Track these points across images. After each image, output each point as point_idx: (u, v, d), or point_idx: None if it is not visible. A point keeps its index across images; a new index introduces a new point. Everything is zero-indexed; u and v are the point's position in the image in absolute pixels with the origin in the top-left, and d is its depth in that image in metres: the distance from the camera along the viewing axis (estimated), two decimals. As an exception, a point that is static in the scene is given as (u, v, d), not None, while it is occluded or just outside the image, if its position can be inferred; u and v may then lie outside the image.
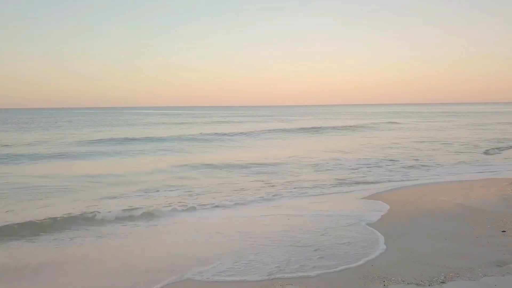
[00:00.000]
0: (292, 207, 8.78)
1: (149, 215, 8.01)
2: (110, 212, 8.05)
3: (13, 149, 21.53)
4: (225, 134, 30.84)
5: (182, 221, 7.79)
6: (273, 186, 11.13)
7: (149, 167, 14.75)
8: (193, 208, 8.66)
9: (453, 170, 13.64)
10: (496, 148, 20.23)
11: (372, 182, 11.54)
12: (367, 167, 14.21)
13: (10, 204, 9.17)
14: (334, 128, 38.17)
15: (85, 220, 7.68)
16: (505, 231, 6.47)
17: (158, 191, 10.56)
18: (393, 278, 4.79)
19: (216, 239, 6.62)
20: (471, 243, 5.99)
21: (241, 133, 32.30)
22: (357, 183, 11.46)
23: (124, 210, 8.24)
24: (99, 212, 8.00)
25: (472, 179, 11.79)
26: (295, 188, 10.79)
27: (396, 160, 15.83)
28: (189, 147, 22.96)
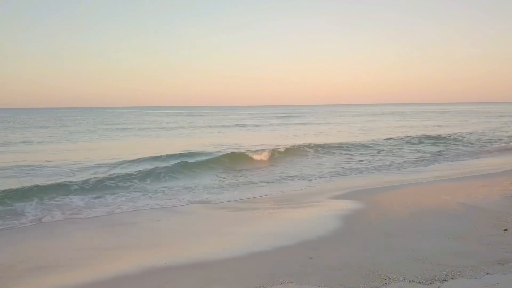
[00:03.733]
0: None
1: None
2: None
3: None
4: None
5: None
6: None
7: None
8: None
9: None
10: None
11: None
12: None
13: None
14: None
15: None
16: (507, 230, 6.42)
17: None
18: (394, 276, 4.74)
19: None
20: (473, 242, 5.93)
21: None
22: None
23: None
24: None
25: (472, 177, 11.76)
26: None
27: None
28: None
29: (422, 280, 4.60)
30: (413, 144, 22.24)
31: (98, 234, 7.29)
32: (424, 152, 19.09)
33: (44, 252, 6.35)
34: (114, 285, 4.96)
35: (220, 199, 10.03)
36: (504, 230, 6.44)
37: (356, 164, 15.73)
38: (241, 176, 13.36)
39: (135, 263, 5.61)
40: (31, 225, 7.93)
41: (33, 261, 5.91)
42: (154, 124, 48.57)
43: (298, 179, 12.64)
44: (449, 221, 7.11)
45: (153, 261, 5.67)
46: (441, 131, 29.90)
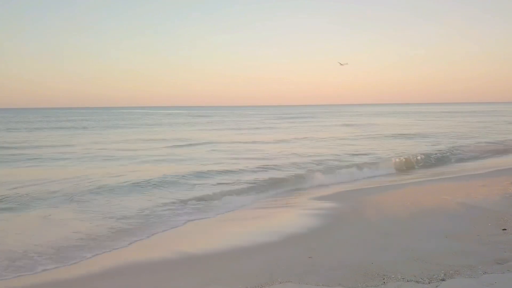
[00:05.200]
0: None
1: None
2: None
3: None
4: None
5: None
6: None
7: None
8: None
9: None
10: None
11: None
12: None
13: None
14: None
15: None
16: (506, 229, 6.43)
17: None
18: (393, 276, 4.76)
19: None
20: (472, 241, 5.94)
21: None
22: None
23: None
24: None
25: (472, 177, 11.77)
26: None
27: None
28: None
29: (421, 280, 4.62)
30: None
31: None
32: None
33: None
34: (114, 283, 4.98)
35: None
36: (503, 229, 6.45)
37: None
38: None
39: (134, 262, 5.63)
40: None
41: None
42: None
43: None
44: (448, 221, 7.13)
45: (152, 260, 5.69)
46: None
